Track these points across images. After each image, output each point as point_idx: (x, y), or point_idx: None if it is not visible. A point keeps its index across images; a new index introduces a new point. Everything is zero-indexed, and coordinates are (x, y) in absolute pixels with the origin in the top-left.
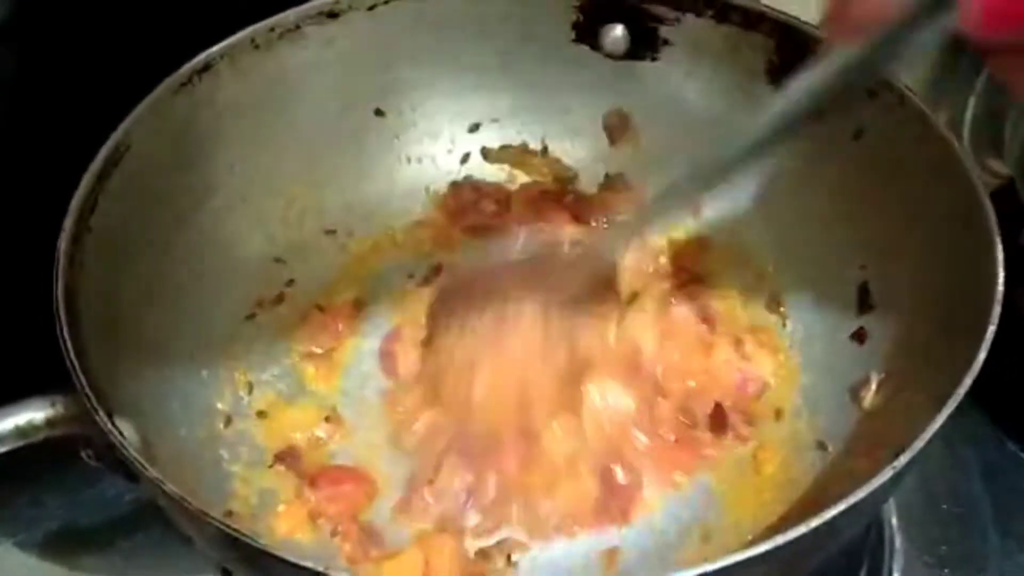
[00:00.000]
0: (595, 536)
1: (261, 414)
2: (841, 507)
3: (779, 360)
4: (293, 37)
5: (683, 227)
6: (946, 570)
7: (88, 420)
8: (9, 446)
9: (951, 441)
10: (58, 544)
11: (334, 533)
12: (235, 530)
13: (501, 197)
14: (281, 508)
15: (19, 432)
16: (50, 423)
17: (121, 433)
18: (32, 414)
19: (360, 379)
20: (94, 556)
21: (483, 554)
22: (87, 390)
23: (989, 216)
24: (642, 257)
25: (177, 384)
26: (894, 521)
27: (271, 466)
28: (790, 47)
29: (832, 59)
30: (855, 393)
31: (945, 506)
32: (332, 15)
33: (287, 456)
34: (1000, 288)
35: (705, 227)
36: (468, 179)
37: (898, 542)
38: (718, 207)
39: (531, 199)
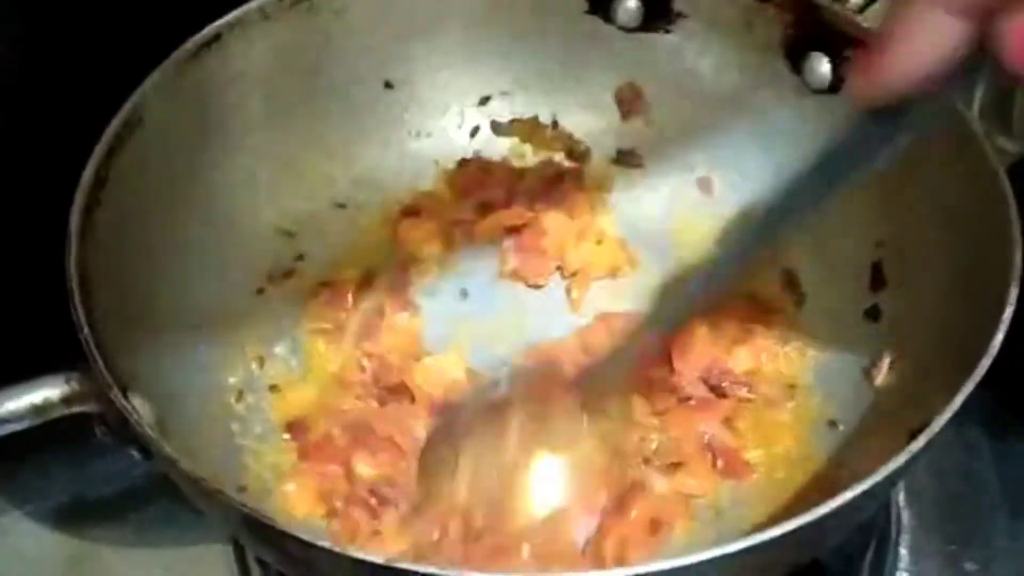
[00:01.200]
0: None
1: (273, 388)
2: (856, 490)
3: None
4: (303, 7)
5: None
6: (953, 547)
7: (103, 397)
8: (25, 424)
9: (960, 420)
10: (68, 515)
11: (345, 506)
12: (252, 510)
13: (509, 178)
14: (294, 483)
15: (35, 410)
16: (65, 401)
17: (136, 410)
18: (47, 392)
19: None
20: (104, 527)
21: None
22: (102, 367)
23: (1007, 194)
24: None
25: (189, 359)
26: (902, 499)
27: (284, 440)
28: (807, 21)
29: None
30: (867, 371)
31: (954, 485)
32: None
33: (299, 430)
34: (1018, 268)
35: (717, 202)
36: (477, 155)
37: (906, 520)
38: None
39: (537, 183)
